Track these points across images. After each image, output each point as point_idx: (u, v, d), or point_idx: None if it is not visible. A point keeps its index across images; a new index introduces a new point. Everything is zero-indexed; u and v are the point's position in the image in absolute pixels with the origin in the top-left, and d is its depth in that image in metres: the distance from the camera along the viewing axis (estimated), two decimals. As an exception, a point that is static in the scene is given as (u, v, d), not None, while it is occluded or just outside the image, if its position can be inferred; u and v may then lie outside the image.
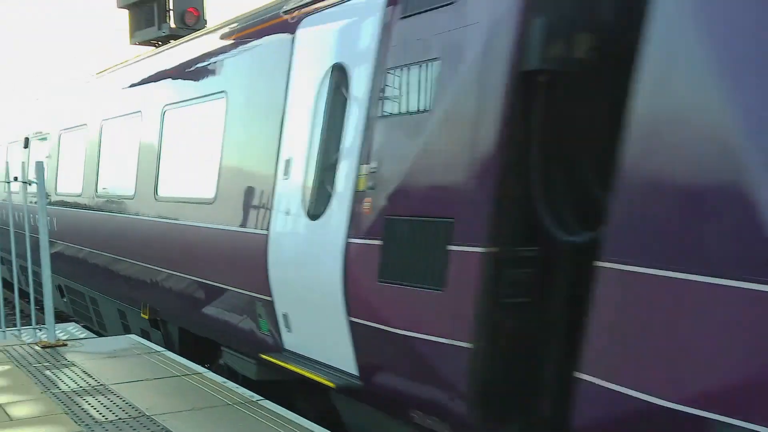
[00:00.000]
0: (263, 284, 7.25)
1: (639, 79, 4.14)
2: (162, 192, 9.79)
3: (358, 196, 6.02)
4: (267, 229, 7.27)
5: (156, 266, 9.78)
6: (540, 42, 4.79)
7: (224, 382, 7.22)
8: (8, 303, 14.26)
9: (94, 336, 10.22)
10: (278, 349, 7.15)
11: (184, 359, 8.18)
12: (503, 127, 4.89)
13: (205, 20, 18.20)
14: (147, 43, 18.54)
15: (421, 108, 5.54)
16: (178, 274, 9.16)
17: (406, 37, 5.76)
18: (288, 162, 7.18)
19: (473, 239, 5.02)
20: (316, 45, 7.12)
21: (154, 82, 10.94)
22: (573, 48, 4.85)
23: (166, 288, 9.57)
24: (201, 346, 9.09)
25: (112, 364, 8.01)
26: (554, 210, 4.91)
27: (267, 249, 7.22)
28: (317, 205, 6.57)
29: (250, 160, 7.87)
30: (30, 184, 9.33)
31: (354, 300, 6.04)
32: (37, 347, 8.72)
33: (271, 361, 7.07)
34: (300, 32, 7.31)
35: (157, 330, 10.28)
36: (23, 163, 11.04)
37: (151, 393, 6.95)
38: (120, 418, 6.24)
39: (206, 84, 9.19)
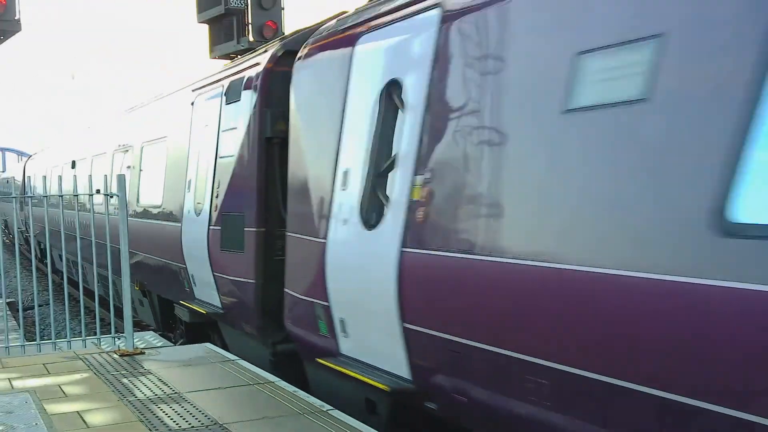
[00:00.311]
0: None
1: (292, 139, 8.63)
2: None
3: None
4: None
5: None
6: (269, 123, 9.23)
7: (295, 392, 7.22)
8: (89, 312, 14.59)
9: (171, 344, 10.36)
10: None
11: (257, 368, 8.22)
12: (259, 165, 9.28)
13: (283, 32, 18.39)
14: (226, 56, 18.83)
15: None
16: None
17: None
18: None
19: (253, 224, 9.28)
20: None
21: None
22: (280, 127, 9.07)
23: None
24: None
25: (187, 373, 8.11)
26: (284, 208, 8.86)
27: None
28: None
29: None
30: (111, 197, 9.53)
31: None
32: (115, 355, 8.89)
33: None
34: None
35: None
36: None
37: (223, 401, 7.00)
38: (193, 427, 6.29)
39: None
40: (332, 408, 6.67)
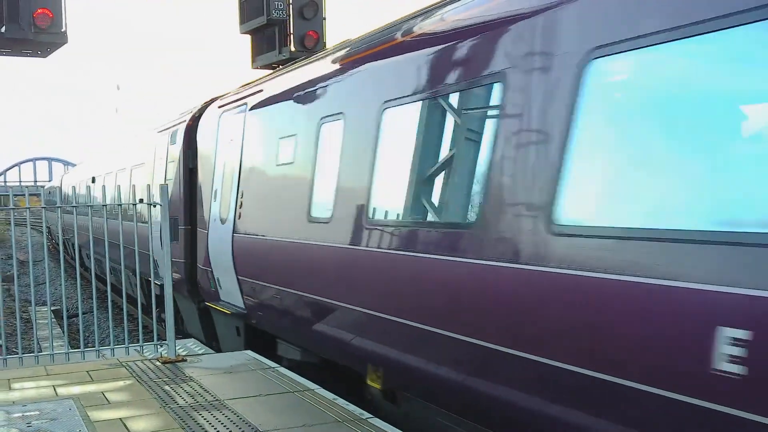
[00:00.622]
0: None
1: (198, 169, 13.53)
2: None
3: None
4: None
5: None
6: (190, 158, 13.55)
7: (335, 399, 7.22)
8: (132, 319, 14.77)
9: (212, 352, 10.43)
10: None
11: (297, 375, 8.24)
12: (184, 185, 13.53)
13: (324, 42, 18.47)
14: (268, 66, 18.97)
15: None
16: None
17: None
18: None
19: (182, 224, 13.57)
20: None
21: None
22: (194, 160, 13.49)
23: None
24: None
25: (228, 380, 8.15)
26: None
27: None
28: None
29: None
30: (154, 206, 9.62)
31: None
32: (157, 362, 8.97)
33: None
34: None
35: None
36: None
37: (264, 409, 7.02)
38: (233, 434, 6.33)
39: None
40: (372, 416, 6.67)
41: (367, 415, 6.69)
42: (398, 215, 7.24)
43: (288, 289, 9.31)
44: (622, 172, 4.96)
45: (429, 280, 6.54)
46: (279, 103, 10.39)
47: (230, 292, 11.34)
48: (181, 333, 13.64)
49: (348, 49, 9.04)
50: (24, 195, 9.60)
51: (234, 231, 11.00)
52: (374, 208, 7.48)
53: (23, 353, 9.59)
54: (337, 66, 9.08)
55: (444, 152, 6.74)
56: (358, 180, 7.74)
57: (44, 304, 19.51)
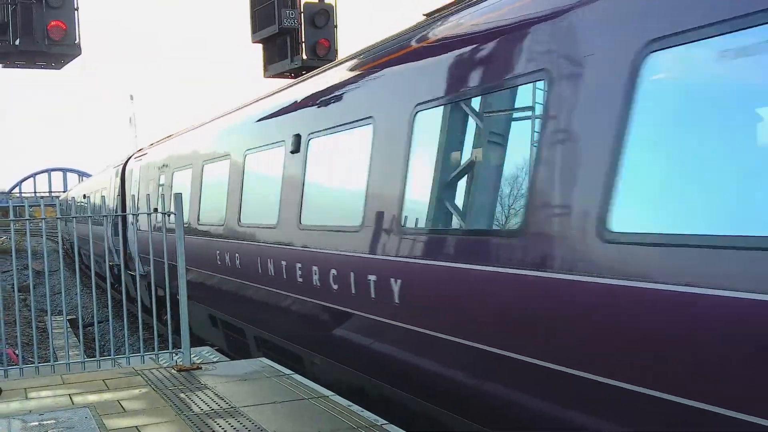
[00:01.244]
0: None
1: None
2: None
3: None
4: None
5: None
6: (122, 189, 22.69)
7: (349, 406, 7.24)
8: (148, 327, 14.82)
9: (227, 359, 10.46)
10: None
11: (312, 382, 8.26)
12: (121, 200, 22.87)
13: (336, 50, 18.51)
14: (279, 75, 19.01)
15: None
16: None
17: None
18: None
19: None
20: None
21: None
22: (124, 186, 22.78)
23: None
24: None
25: (243, 387, 8.18)
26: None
27: None
28: None
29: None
30: (169, 215, 9.68)
31: None
32: (173, 370, 9.00)
33: None
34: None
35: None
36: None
37: (278, 416, 7.05)
38: (248, 440, 6.35)
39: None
40: (387, 422, 6.67)
41: (381, 421, 6.69)
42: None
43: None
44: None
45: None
46: (146, 159, 20.01)
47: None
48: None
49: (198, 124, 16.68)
50: (39, 205, 9.64)
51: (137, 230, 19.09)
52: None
53: (39, 362, 9.66)
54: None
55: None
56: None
57: (60, 313, 19.63)
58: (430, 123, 7.10)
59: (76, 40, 16.53)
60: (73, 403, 7.67)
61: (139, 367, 9.27)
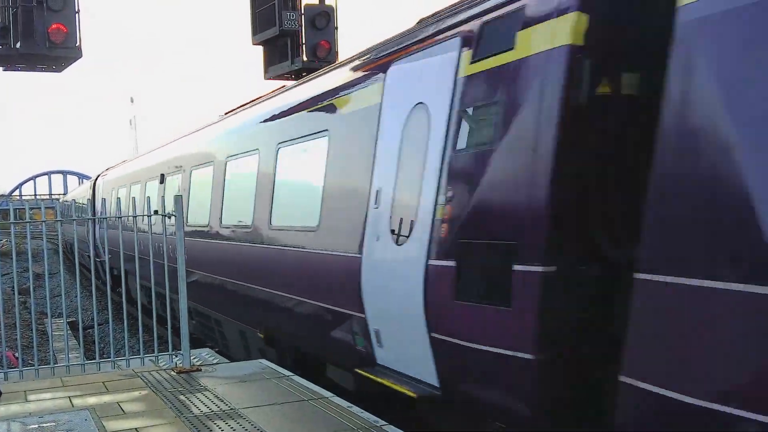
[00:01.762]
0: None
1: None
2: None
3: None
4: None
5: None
6: (93, 196, 30.92)
7: (349, 407, 7.23)
8: (147, 329, 14.84)
9: (227, 361, 10.45)
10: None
11: (312, 384, 8.26)
12: (92, 210, 31.13)
13: (336, 52, 18.48)
14: (280, 77, 18.99)
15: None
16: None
17: None
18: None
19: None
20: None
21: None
22: (95, 197, 31.10)
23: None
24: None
25: (243, 389, 8.17)
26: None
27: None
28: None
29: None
30: (169, 217, 9.66)
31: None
32: (172, 372, 9.00)
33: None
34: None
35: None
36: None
37: (278, 417, 7.04)
38: (247, 442, 6.34)
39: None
40: (386, 423, 6.67)
41: (381, 422, 6.69)
42: None
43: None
44: None
45: None
46: (107, 177, 27.09)
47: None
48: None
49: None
50: (39, 208, 9.65)
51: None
52: None
53: (39, 365, 9.66)
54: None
55: None
56: None
57: (60, 315, 19.62)
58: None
59: (76, 43, 16.52)
60: (72, 406, 7.66)
61: (138, 369, 9.27)
